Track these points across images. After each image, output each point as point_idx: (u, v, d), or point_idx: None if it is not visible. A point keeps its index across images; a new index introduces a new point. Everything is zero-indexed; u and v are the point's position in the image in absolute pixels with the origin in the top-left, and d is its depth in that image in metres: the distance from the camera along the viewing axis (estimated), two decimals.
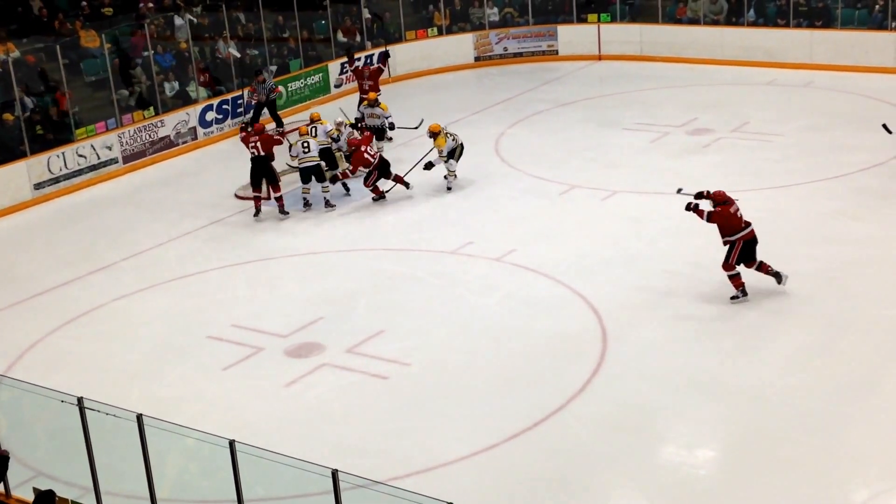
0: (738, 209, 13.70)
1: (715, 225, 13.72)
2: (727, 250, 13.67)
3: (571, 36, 26.84)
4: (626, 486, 10.60)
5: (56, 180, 20.10)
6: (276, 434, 11.34)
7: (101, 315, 14.99)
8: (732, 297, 13.73)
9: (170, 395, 12.60)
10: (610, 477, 10.71)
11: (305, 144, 18.10)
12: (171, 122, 22.07)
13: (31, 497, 9.73)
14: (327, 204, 18.17)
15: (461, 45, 27.01)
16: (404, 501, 8.07)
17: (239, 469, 8.68)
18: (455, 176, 18.66)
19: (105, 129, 21.10)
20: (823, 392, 11.78)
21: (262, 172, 17.80)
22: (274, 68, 24.03)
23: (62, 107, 20.84)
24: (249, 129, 18.60)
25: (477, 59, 27.14)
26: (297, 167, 18.26)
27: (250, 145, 17.79)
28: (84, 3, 23.36)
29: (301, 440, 11.27)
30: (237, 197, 19.14)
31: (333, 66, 25.41)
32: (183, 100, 22.71)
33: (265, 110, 22.65)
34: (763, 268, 13.74)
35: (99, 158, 20.83)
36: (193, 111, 22.52)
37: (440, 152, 18.45)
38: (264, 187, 18.00)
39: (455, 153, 18.57)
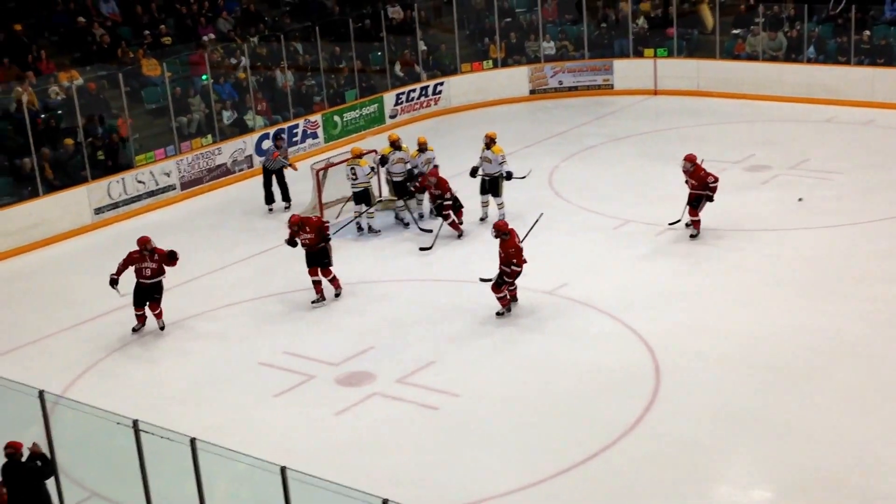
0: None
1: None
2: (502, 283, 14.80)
3: (627, 70, 26.85)
4: None
5: (115, 205, 20.42)
6: (325, 462, 11.36)
7: (156, 340, 15.15)
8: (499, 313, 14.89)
9: (221, 420, 12.70)
10: None
11: (353, 171, 18.31)
12: (227, 150, 22.36)
13: None
14: (370, 230, 18.35)
15: (516, 77, 27.12)
16: None
17: (290, 495, 8.72)
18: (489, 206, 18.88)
19: (164, 156, 21.43)
20: (881, 433, 11.60)
21: (316, 259, 16.04)
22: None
23: (123, 133, 21.20)
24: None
25: (532, 91, 27.23)
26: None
27: (301, 239, 15.85)
28: (146, 33, 23.78)
29: (351, 468, 11.30)
30: None
31: (388, 97, 25.62)
32: (240, 128, 23.00)
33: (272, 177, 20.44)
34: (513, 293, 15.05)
35: (157, 185, 21.14)
36: (250, 139, 22.80)
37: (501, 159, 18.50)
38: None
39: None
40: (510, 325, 14.76)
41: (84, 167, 20.16)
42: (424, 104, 26.32)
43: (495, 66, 27.18)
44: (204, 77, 22.81)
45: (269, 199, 20.15)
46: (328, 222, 16.39)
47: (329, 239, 15.90)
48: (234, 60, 23.89)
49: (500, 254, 14.90)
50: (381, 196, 19.27)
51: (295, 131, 23.67)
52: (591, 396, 12.76)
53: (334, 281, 15.98)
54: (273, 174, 20.15)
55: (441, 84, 26.61)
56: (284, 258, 17.77)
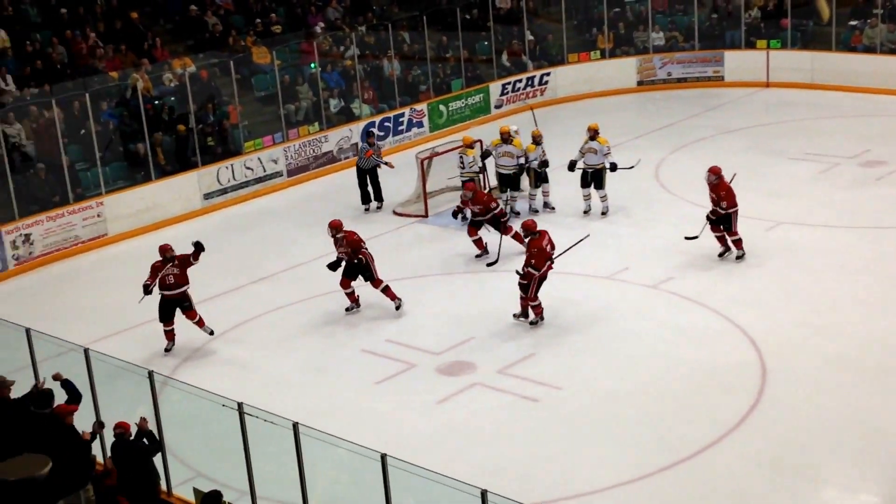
0: (548, 241, 14.46)
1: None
2: (528, 285, 14.32)
3: (739, 62, 26.32)
4: None
5: (224, 191, 20.79)
6: (425, 450, 11.39)
7: (261, 324, 15.39)
8: (531, 322, 14.51)
9: (324, 406, 12.82)
10: None
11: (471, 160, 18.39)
12: (334, 138, 22.56)
13: (190, 496, 10.04)
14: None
15: (624, 68, 26.80)
16: None
17: (389, 483, 8.76)
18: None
19: (272, 143, 21.72)
20: None
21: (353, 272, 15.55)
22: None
23: (233, 120, 21.55)
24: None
25: (640, 83, 26.89)
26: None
27: (339, 252, 15.58)
28: (258, 21, 24.13)
29: (450, 458, 11.31)
30: (396, 214, 19.42)
31: (494, 87, 25.56)
32: (346, 116, 23.19)
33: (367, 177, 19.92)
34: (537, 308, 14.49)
35: (265, 171, 21.45)
36: (356, 127, 22.97)
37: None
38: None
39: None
40: (613, 320, 14.60)
41: (195, 153, 20.55)
42: (530, 94, 26.19)
43: (603, 56, 26.90)
44: (312, 65, 23.06)
45: (365, 198, 19.75)
46: (363, 245, 15.51)
47: (359, 253, 15.30)
48: (343, 49, 24.09)
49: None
50: (487, 188, 19.24)
51: (400, 120, 23.78)
52: (695, 393, 12.56)
53: (387, 291, 15.32)
54: (367, 173, 19.65)
55: (548, 74, 26.44)
56: (390, 246, 17.89)
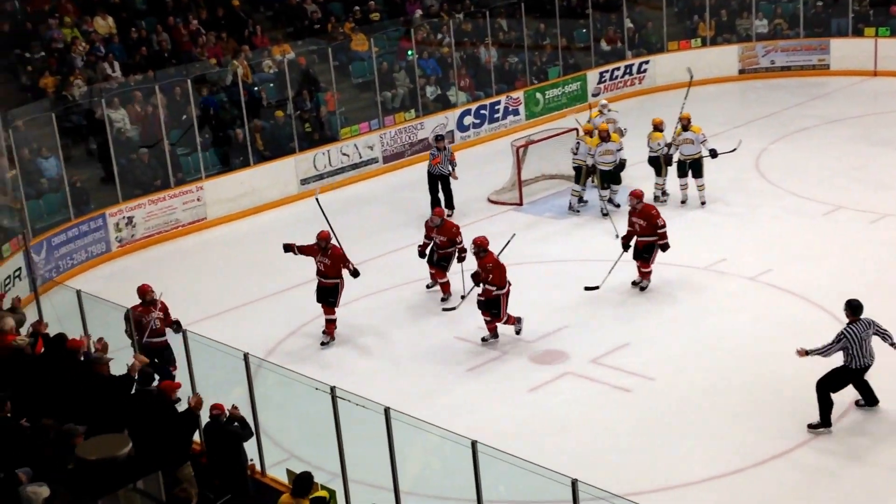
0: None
1: None
2: (495, 304, 13.76)
3: (845, 50, 25.64)
4: None
5: (320, 176, 20.98)
6: (516, 438, 11.34)
7: (354, 310, 15.46)
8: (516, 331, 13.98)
9: (415, 391, 12.86)
10: None
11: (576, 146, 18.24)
12: (430, 125, 22.59)
13: (284, 477, 10.16)
14: (570, 207, 18.12)
15: (725, 56, 26.31)
16: None
17: (479, 469, 8.74)
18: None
19: (368, 130, 21.85)
20: None
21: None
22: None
23: (330, 107, 21.72)
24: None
25: (741, 71, 26.38)
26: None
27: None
28: (356, 9, 24.27)
29: (541, 446, 11.25)
30: (490, 201, 19.37)
31: (592, 75, 25.32)
32: (442, 103, 23.20)
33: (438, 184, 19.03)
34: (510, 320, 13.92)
35: (361, 157, 21.59)
36: (452, 115, 22.98)
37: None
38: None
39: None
40: (710, 312, 14.37)
41: (293, 139, 20.77)
42: (628, 83, 25.90)
43: (704, 44, 26.46)
44: (409, 52, 23.12)
45: (435, 204, 18.55)
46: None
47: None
48: (440, 36, 24.10)
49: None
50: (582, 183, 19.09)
51: (496, 108, 23.70)
52: (792, 387, 12.26)
53: (444, 286, 15.36)
54: (437, 178, 18.71)
55: (646, 62, 26.11)
56: (483, 233, 17.77)
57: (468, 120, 23.24)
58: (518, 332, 14.01)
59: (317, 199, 15.82)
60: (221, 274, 17.23)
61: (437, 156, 18.69)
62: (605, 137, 18.21)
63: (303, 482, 9.25)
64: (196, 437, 10.66)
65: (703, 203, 18.08)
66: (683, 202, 18.19)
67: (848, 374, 11.30)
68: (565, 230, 17.81)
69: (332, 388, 9.78)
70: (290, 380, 11.02)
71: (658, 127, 18.50)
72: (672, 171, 18.26)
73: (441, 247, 15.33)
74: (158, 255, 18.40)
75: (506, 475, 9.71)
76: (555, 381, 12.87)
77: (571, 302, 14.92)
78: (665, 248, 14.97)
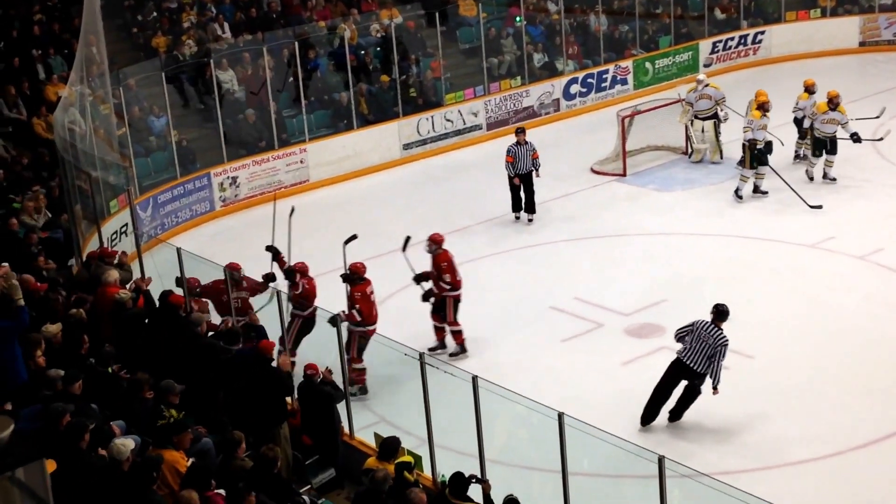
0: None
1: None
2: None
3: None
4: None
5: (423, 142, 20.96)
6: (607, 411, 11.19)
7: None
8: (451, 354, 12.84)
9: (507, 360, 12.78)
10: None
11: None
12: (535, 93, 22.37)
13: (371, 440, 10.21)
14: (756, 190, 17.28)
15: (845, 28, 25.45)
16: (732, 499, 7.73)
17: (566, 441, 8.64)
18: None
19: (473, 96, 21.72)
20: None
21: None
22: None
23: (435, 73, 21.65)
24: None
25: (862, 44, 25.48)
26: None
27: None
28: None
29: (631, 420, 11.09)
30: (593, 171, 19.12)
31: (704, 45, 24.76)
32: (549, 71, 22.94)
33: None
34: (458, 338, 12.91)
35: (465, 124, 21.50)
36: (558, 83, 22.71)
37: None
38: None
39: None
40: (816, 290, 13.96)
41: (396, 103, 20.78)
42: (742, 53, 25.25)
43: (823, 15, 25.64)
44: (518, 19, 22.88)
45: (516, 205, 16.93)
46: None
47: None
48: (550, 3, 23.79)
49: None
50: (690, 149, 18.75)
51: (604, 77, 23.35)
52: None
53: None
54: (520, 177, 16.69)
55: (762, 33, 25.41)
56: (586, 204, 17.65)
57: (575, 88, 22.95)
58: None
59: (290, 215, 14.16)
60: (321, 236, 17.31)
61: (515, 152, 16.43)
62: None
63: (388, 447, 9.29)
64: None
65: (833, 179, 17.47)
66: (811, 179, 17.58)
67: None
68: (668, 203, 17.47)
69: (421, 355, 9.78)
70: (381, 345, 11.07)
71: (809, 89, 18.05)
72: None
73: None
74: (261, 215, 18.58)
75: (593, 449, 9.63)
76: (649, 355, 12.65)
77: (671, 276, 14.66)
78: (456, 302, 12.96)
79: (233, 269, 12.35)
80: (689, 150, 19.07)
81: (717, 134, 18.83)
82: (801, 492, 9.82)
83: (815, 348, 12.54)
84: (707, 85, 18.98)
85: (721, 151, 18.83)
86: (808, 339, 12.78)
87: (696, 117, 18.85)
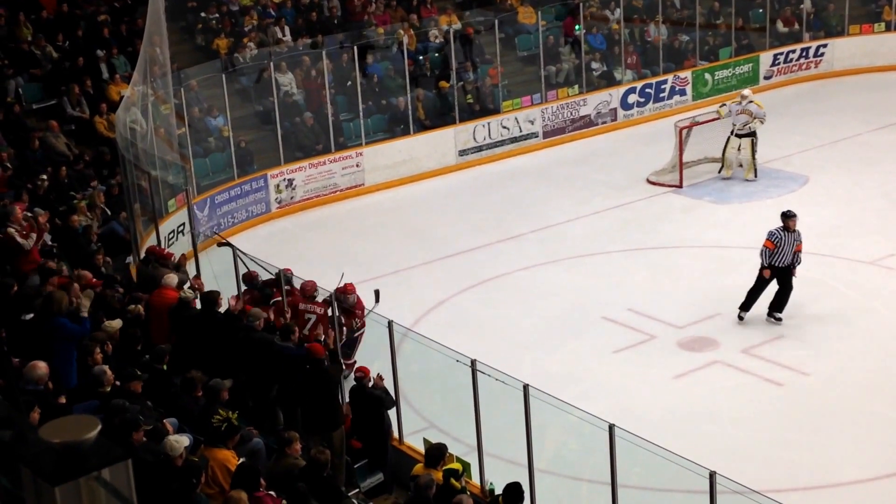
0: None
1: None
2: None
3: None
4: None
5: (479, 149, 20.96)
6: (658, 424, 11.11)
7: (504, 283, 15.44)
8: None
9: (559, 370, 12.74)
10: None
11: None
12: (593, 102, 22.28)
13: (420, 445, 10.22)
14: None
15: None
16: None
17: (616, 453, 8.60)
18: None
19: (530, 104, 21.69)
20: None
21: None
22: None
23: (494, 80, 21.65)
24: None
25: None
26: None
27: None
28: None
29: (683, 435, 10.98)
30: (649, 182, 19.00)
31: (765, 57, 24.49)
32: (607, 80, 22.85)
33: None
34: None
35: (521, 131, 21.46)
36: (616, 92, 22.60)
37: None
38: None
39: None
40: (873, 308, 13.76)
41: (454, 109, 20.80)
42: (803, 66, 24.95)
43: (888, 29, 25.23)
44: (577, 27, 22.82)
45: (749, 301, 13.55)
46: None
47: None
48: (609, 12, 23.70)
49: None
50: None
51: (662, 87, 23.20)
52: None
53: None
54: (775, 270, 13.45)
55: (824, 46, 25.09)
56: (642, 214, 17.55)
57: (632, 98, 22.82)
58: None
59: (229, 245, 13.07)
60: (375, 240, 17.42)
61: (780, 238, 13.37)
62: None
63: (434, 453, 9.27)
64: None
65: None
66: None
67: None
68: (725, 215, 17.32)
69: (473, 362, 9.77)
70: (432, 350, 11.06)
71: None
72: None
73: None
74: (316, 218, 18.74)
75: (643, 461, 9.55)
76: (702, 368, 12.55)
77: (725, 289, 14.50)
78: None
79: (347, 293, 12.50)
80: (721, 165, 18.88)
81: (754, 153, 18.56)
82: None
83: (871, 368, 12.36)
84: (751, 101, 18.72)
85: (756, 170, 18.57)
86: (864, 357, 12.60)
87: (733, 133, 18.62)
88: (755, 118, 18.49)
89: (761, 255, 13.41)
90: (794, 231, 13.33)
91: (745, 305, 13.46)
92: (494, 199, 18.99)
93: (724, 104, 19.24)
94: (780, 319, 13.38)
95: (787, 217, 13.39)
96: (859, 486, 10.29)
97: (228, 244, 12.91)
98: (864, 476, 10.40)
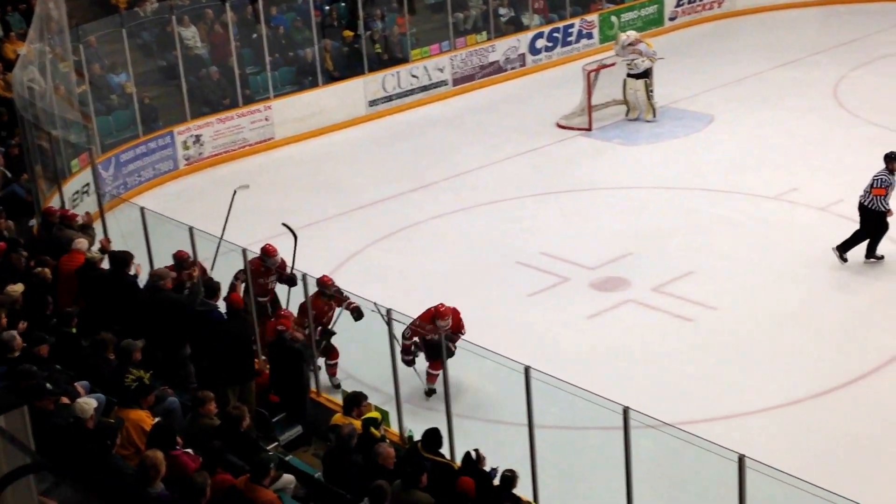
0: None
1: None
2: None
3: None
4: None
5: (389, 99, 20.85)
6: (573, 365, 11.25)
7: (418, 232, 15.46)
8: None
9: (475, 316, 12.71)
10: None
11: None
12: (501, 48, 22.26)
13: (338, 397, 10.23)
14: None
15: None
16: (695, 447, 7.84)
17: (532, 395, 8.71)
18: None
19: (439, 52, 21.59)
20: None
21: None
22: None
23: (401, 28, 21.48)
24: None
25: None
26: None
27: None
28: None
29: (598, 374, 11.15)
30: (559, 126, 19.10)
31: None
32: (515, 26, 22.83)
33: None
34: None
35: (430, 80, 21.38)
36: (524, 38, 22.60)
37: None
38: None
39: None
40: (778, 242, 14.08)
41: (362, 60, 20.62)
42: (707, 6, 25.20)
43: None
44: None
45: (872, 245, 13.40)
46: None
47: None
48: None
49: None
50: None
51: (570, 31, 23.26)
52: (861, 320, 12.06)
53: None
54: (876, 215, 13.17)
55: None
56: (553, 158, 17.65)
57: (540, 43, 22.85)
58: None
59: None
60: (288, 194, 17.27)
61: (889, 182, 13.17)
62: None
63: (351, 400, 9.30)
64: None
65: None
66: None
67: None
68: (634, 157, 17.52)
69: (388, 311, 9.79)
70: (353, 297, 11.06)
71: None
72: None
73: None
74: (225, 174, 18.50)
75: (560, 401, 9.69)
76: (615, 308, 12.75)
77: (635, 230, 14.73)
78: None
79: (269, 254, 11.71)
80: (628, 108, 19.06)
81: (649, 94, 18.76)
82: (758, 439, 9.93)
83: (776, 299, 12.67)
84: (640, 42, 18.87)
85: (654, 110, 18.79)
86: (771, 289, 12.91)
87: (628, 75, 18.79)
88: (645, 57, 18.65)
89: (875, 203, 13.08)
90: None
91: (869, 252, 13.25)
92: (406, 149, 18.95)
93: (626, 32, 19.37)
94: (882, 257, 13.25)
95: (893, 159, 13.16)
96: (768, 414, 10.58)
97: (292, 231, 12.28)
98: (773, 403, 10.69)
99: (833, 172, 15.97)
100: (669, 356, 11.73)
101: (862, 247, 13.24)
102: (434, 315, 10.94)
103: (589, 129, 18.68)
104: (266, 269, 11.81)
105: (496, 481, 8.38)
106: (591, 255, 14.03)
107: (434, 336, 10.68)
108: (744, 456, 7.23)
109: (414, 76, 21.16)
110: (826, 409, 10.59)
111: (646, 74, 18.70)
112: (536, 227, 15.21)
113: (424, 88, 21.30)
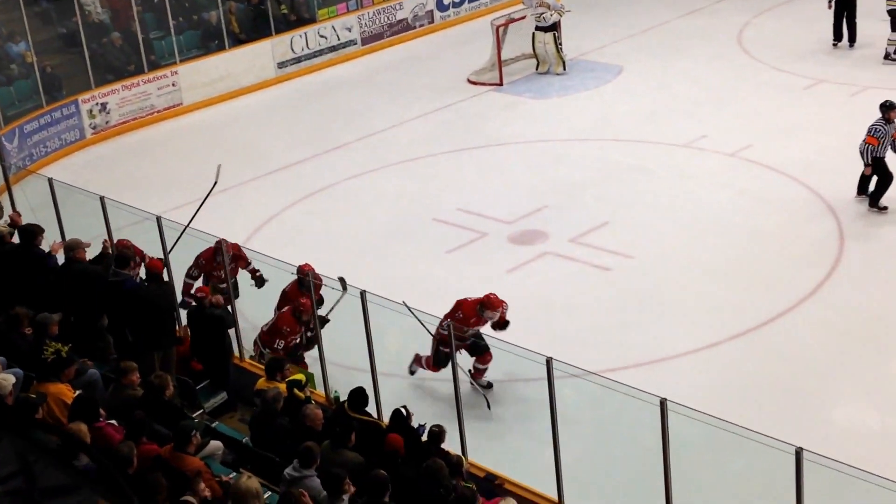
0: None
1: None
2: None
3: None
4: (853, 395, 10.15)
5: (298, 60, 20.62)
6: None
7: (334, 193, 15.39)
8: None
9: (394, 274, 12.83)
10: (837, 384, 10.29)
11: None
12: (409, 5, 22.12)
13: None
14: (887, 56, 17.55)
15: None
16: (618, 394, 7.99)
17: (455, 351, 8.76)
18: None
19: (346, 11, 21.40)
20: None
21: None
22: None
23: None
24: None
25: None
26: None
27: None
28: None
29: (519, 326, 11.20)
30: (470, 82, 19.10)
31: None
32: None
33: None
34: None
35: (339, 40, 21.19)
36: None
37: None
38: None
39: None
40: (690, 189, 14.32)
41: (268, 21, 20.34)
42: None
43: None
44: None
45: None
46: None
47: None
48: None
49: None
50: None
51: None
52: (771, 262, 12.34)
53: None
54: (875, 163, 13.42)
55: None
56: (465, 114, 17.68)
57: None
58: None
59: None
60: (199, 160, 17.01)
61: (883, 133, 13.24)
62: None
63: (273, 365, 9.28)
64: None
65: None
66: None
67: None
68: (545, 110, 17.62)
69: (341, 279, 9.77)
70: (268, 264, 11.00)
71: None
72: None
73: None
74: (133, 141, 18.19)
75: (496, 357, 9.82)
76: (533, 261, 12.87)
77: (551, 182, 14.85)
78: None
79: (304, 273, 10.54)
80: (538, 62, 19.15)
81: (558, 46, 18.84)
82: (679, 383, 10.14)
83: (691, 245, 12.91)
84: None
85: (564, 63, 18.90)
86: (685, 236, 13.14)
87: (536, 28, 18.86)
88: (553, 10, 18.70)
89: (863, 153, 13.25)
90: (894, 122, 13.22)
91: (873, 200, 13.29)
92: (318, 110, 18.80)
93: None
94: (885, 208, 13.20)
95: (889, 108, 13.24)
96: (687, 358, 10.81)
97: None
98: (691, 347, 10.93)
99: (741, 118, 16.26)
100: (589, 306, 11.90)
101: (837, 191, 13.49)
102: (483, 304, 10.11)
103: (500, 84, 18.72)
104: (218, 263, 11.35)
105: (424, 437, 8.44)
106: (507, 210, 14.12)
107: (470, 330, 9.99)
108: (665, 399, 7.38)
109: (322, 36, 20.96)
110: (743, 350, 10.86)
111: (554, 27, 18.76)
112: (452, 184, 15.25)
113: (333, 48, 21.11)
